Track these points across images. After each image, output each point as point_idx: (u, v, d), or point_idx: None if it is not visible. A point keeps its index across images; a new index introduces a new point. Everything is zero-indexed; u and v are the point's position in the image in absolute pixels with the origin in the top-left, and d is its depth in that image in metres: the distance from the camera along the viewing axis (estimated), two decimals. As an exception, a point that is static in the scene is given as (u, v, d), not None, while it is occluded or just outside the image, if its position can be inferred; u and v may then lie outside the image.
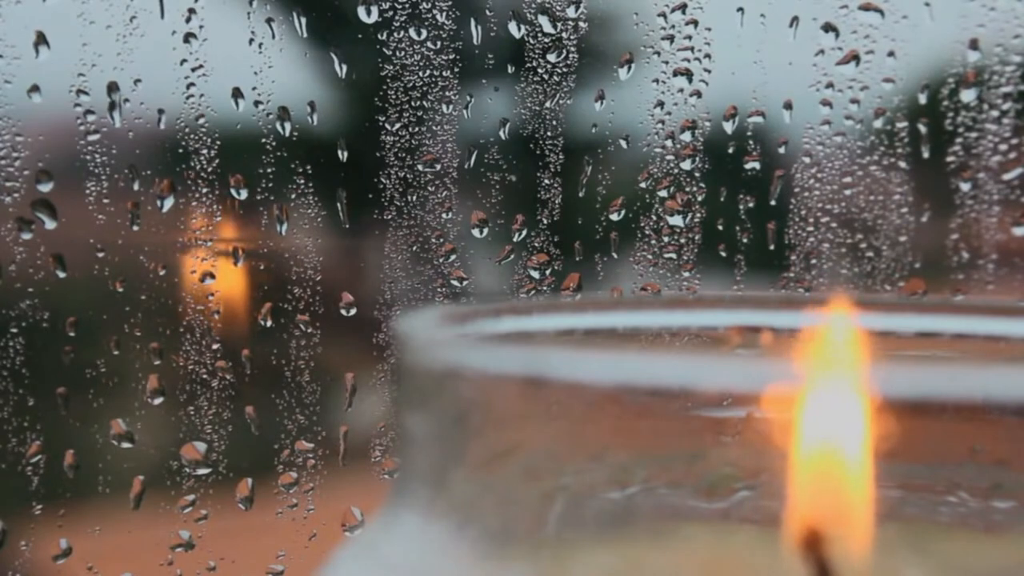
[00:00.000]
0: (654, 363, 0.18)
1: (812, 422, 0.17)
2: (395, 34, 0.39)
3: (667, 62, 0.40)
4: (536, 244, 0.41)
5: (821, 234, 0.40)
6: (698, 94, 0.40)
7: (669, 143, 0.40)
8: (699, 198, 0.41)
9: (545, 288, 0.41)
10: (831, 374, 0.17)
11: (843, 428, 0.17)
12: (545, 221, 0.41)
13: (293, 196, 0.40)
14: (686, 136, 0.40)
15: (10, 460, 0.38)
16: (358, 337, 0.41)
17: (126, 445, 0.39)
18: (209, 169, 0.39)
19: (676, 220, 0.40)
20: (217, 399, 0.40)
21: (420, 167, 0.40)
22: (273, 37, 0.39)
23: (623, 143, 0.40)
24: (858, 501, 0.18)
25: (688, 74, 0.39)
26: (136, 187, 0.38)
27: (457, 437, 0.19)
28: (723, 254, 0.41)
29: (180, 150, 0.39)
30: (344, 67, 0.39)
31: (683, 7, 0.39)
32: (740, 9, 0.39)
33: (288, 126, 0.39)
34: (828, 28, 0.39)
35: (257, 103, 0.39)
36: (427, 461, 0.20)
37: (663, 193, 0.40)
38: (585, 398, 0.18)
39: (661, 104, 0.40)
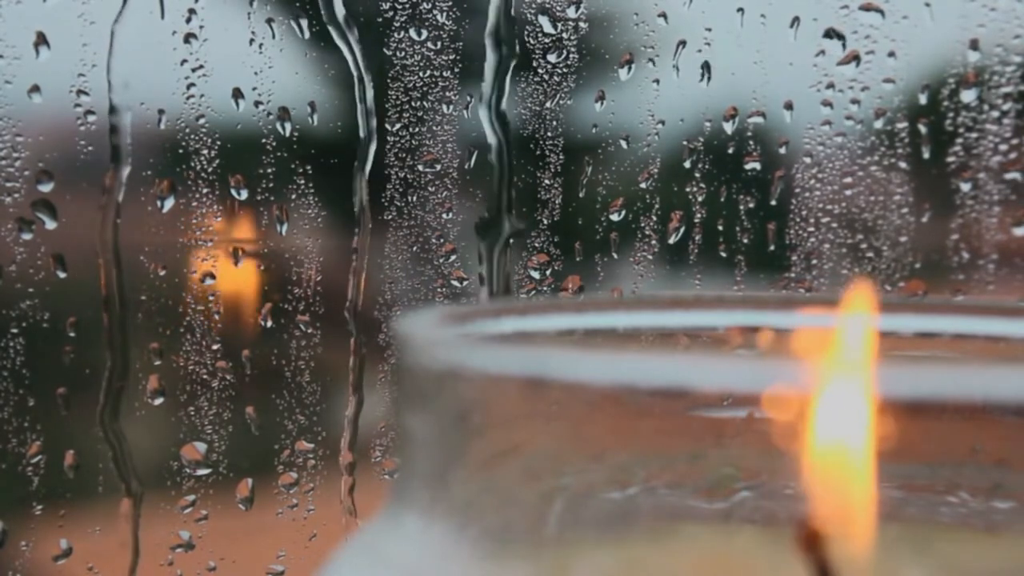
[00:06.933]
0: (654, 363, 0.18)
1: (811, 422, 0.17)
2: (395, 34, 0.39)
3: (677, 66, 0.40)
4: (536, 244, 0.41)
5: (822, 234, 0.40)
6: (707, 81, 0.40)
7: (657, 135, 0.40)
8: (699, 198, 0.41)
9: (545, 288, 0.41)
10: (829, 374, 0.17)
11: (843, 428, 0.17)
12: (545, 221, 0.41)
13: (293, 196, 0.40)
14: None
15: (10, 460, 0.38)
16: (358, 337, 0.41)
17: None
18: (209, 169, 0.39)
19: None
20: (217, 399, 0.40)
21: (420, 167, 0.40)
22: (273, 37, 0.39)
23: (623, 143, 0.40)
24: (859, 501, 0.18)
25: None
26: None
27: (457, 437, 0.19)
28: (723, 254, 0.41)
29: (180, 150, 0.39)
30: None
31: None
32: (740, 9, 0.39)
33: (288, 126, 0.39)
34: (830, 34, 0.38)
35: (257, 103, 0.39)
36: (427, 461, 0.20)
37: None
38: (585, 398, 0.18)
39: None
